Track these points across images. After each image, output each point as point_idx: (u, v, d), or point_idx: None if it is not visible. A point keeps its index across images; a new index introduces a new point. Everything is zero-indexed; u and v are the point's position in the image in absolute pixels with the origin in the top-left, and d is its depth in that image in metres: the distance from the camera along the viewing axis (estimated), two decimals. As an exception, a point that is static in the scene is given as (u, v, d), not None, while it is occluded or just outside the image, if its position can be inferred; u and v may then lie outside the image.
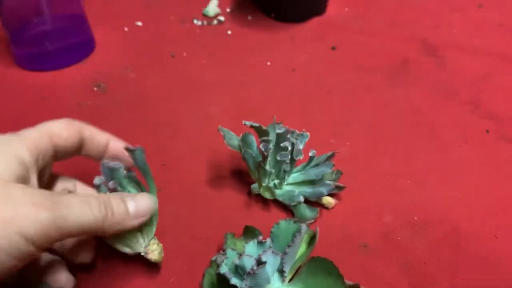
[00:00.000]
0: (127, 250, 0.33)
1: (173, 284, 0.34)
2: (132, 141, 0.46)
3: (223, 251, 0.31)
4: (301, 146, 0.38)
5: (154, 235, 0.34)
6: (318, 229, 0.33)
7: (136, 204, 0.31)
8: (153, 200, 0.32)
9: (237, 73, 0.56)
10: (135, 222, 0.31)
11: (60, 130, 0.32)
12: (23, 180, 0.28)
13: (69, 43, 0.57)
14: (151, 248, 0.34)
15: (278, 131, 0.37)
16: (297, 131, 0.40)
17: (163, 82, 0.54)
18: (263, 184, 0.38)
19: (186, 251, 0.36)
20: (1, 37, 0.60)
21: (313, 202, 0.39)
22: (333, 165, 0.38)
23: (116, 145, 0.35)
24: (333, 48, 0.59)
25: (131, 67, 0.57)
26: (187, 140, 0.46)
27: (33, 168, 0.30)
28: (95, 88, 0.53)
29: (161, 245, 0.34)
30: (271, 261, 0.28)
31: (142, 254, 0.34)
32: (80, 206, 0.27)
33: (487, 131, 0.46)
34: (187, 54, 0.59)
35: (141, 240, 0.34)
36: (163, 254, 0.34)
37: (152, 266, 0.35)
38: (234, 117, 0.48)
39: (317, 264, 0.30)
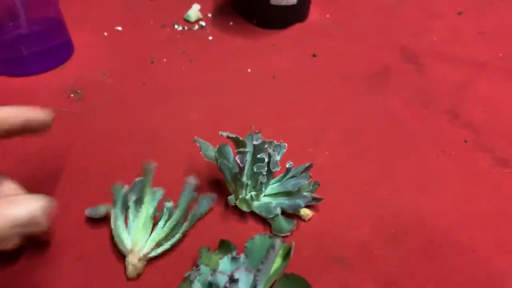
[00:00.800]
0: (124, 246, 0.35)
1: (146, 299, 0.34)
2: (108, 149, 0.46)
3: (197, 267, 0.31)
4: (278, 158, 0.38)
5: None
6: (293, 244, 0.33)
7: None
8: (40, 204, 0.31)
9: (218, 79, 0.55)
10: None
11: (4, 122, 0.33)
12: None
13: (45, 48, 0.56)
14: (139, 263, 0.34)
15: (255, 142, 0.37)
16: (275, 142, 0.40)
17: (141, 88, 0.54)
18: (240, 196, 0.38)
19: (160, 264, 0.36)
20: (-24, 41, 0.58)
21: (291, 214, 0.38)
22: (310, 176, 0.38)
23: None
24: (314, 55, 0.59)
25: (109, 72, 0.56)
26: (164, 148, 0.46)
27: None
28: (71, 95, 0.52)
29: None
30: (244, 279, 0.28)
31: (128, 258, 0.34)
32: None
33: (465, 141, 0.46)
34: (167, 59, 0.58)
35: (143, 241, 0.35)
36: (138, 274, 0.34)
37: (123, 280, 0.35)
38: (213, 124, 0.48)
39: (290, 281, 0.30)
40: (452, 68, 0.57)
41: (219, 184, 0.42)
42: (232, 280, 0.28)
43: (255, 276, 0.28)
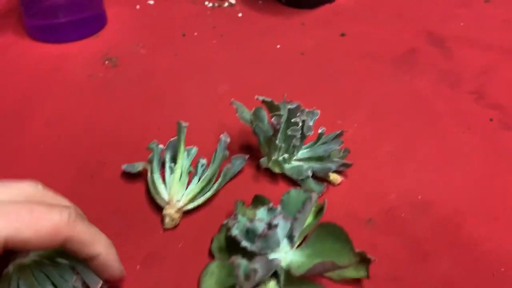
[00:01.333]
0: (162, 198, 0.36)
1: (181, 249, 0.35)
2: (140, 115, 0.47)
3: (234, 216, 0.32)
4: (311, 123, 0.39)
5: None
6: (326, 200, 0.34)
7: None
8: None
9: (247, 54, 0.56)
10: None
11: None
12: None
13: (81, 17, 0.58)
14: (176, 214, 0.36)
15: (289, 106, 0.38)
16: (307, 109, 0.41)
17: (173, 59, 0.55)
18: (273, 158, 0.39)
19: (195, 217, 0.37)
20: (14, 9, 0.60)
21: (320, 178, 0.40)
22: (342, 142, 0.39)
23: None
24: (342, 35, 0.60)
25: (142, 43, 0.57)
26: (195, 116, 0.47)
27: None
28: (106, 62, 0.54)
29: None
30: (282, 225, 0.29)
31: (166, 210, 0.35)
32: None
33: (491, 120, 0.47)
34: (198, 33, 0.59)
35: (180, 194, 0.36)
36: (174, 225, 0.36)
37: (159, 230, 0.36)
38: (242, 97, 0.49)
39: (326, 230, 0.31)
40: (478, 52, 0.57)
41: (250, 148, 0.43)
42: (271, 226, 0.29)
43: (292, 224, 0.30)
